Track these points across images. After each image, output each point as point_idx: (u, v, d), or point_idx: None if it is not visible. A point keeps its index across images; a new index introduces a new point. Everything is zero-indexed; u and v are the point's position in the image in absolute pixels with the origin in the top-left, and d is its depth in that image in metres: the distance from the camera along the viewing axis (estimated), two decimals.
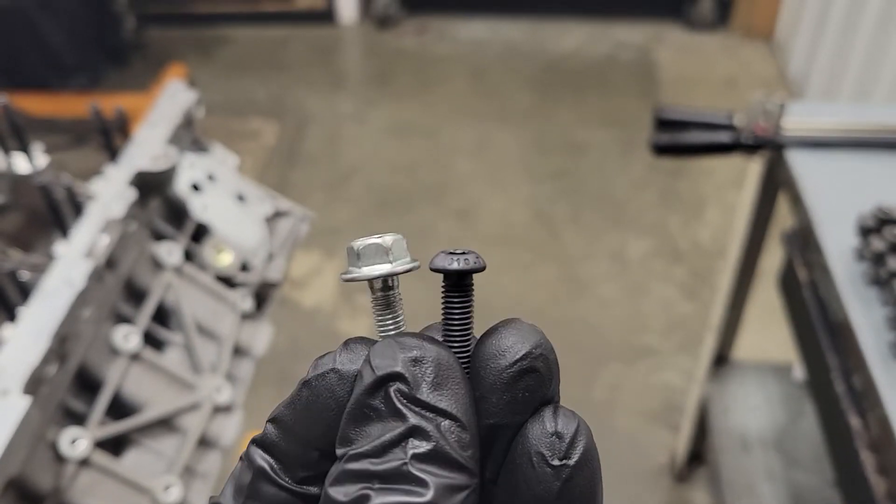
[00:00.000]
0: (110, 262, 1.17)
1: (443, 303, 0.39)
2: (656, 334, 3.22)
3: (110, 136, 1.37)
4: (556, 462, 0.35)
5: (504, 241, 3.57)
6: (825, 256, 1.35)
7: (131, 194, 1.21)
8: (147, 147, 1.28)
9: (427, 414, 0.34)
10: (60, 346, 1.04)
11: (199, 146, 1.44)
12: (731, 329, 2.24)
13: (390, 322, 0.39)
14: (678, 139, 1.73)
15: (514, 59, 4.67)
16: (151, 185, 1.26)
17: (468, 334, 0.38)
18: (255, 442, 0.38)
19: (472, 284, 0.39)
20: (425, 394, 0.34)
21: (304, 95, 4.33)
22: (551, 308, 3.28)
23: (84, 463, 1.07)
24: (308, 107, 4.24)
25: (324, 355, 0.37)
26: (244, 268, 1.40)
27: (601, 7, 4.87)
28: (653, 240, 3.60)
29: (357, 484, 0.33)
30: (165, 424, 1.21)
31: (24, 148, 1.43)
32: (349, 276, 0.38)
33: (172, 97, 1.37)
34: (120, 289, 1.21)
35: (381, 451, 0.33)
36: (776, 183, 1.72)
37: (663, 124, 1.80)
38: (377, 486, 0.33)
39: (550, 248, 3.56)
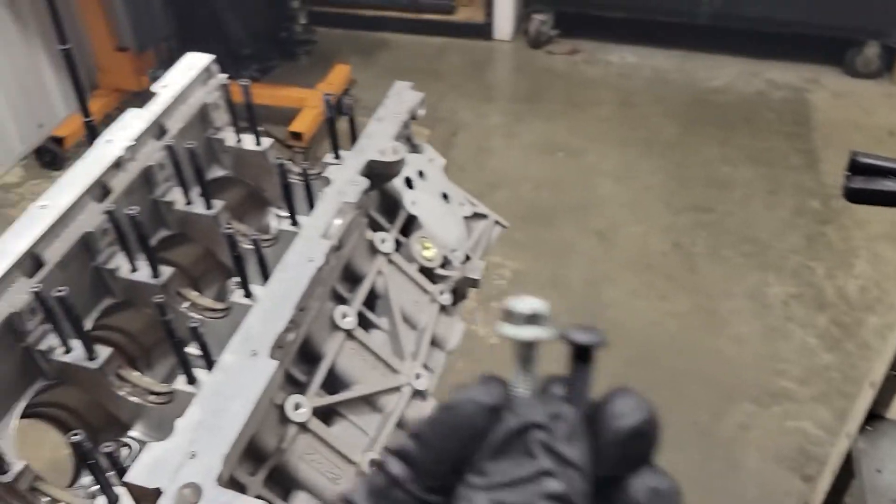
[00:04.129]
0: (339, 244, 1.24)
1: (569, 369, 0.45)
2: (793, 380, 3.12)
3: (334, 125, 1.46)
4: None
5: (641, 267, 3.54)
6: None
7: (363, 182, 1.29)
8: (376, 140, 1.35)
9: (559, 461, 0.41)
10: (298, 317, 1.12)
11: (412, 144, 1.51)
12: (891, 387, 2.15)
13: (528, 373, 0.45)
14: (876, 186, 1.69)
15: (662, 88, 4.62)
16: (380, 176, 1.33)
17: (587, 396, 0.45)
18: (392, 452, 0.45)
19: (594, 356, 0.45)
20: (560, 445, 0.41)
21: (456, 105, 4.43)
22: (685, 337, 3.24)
23: (303, 428, 1.15)
24: (459, 116, 4.33)
25: (463, 386, 0.44)
26: (444, 264, 1.46)
27: (756, 46, 4.76)
28: (796, 284, 3.49)
29: None
30: (369, 403, 1.27)
31: (254, 126, 1.54)
32: (509, 334, 0.45)
33: (399, 95, 1.45)
34: (340, 269, 1.29)
35: (517, 483, 0.40)
36: None
37: (857, 169, 1.76)
38: None
39: (687, 279, 3.51)
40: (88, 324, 1.35)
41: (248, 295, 1.30)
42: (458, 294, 1.46)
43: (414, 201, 1.45)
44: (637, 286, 3.44)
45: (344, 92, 4.32)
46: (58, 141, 4.13)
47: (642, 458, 0.42)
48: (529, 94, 4.62)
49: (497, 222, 1.61)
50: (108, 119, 4.52)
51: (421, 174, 1.49)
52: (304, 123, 3.97)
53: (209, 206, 1.44)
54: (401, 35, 5.01)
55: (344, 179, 1.30)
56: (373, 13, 5.02)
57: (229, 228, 1.19)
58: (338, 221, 1.24)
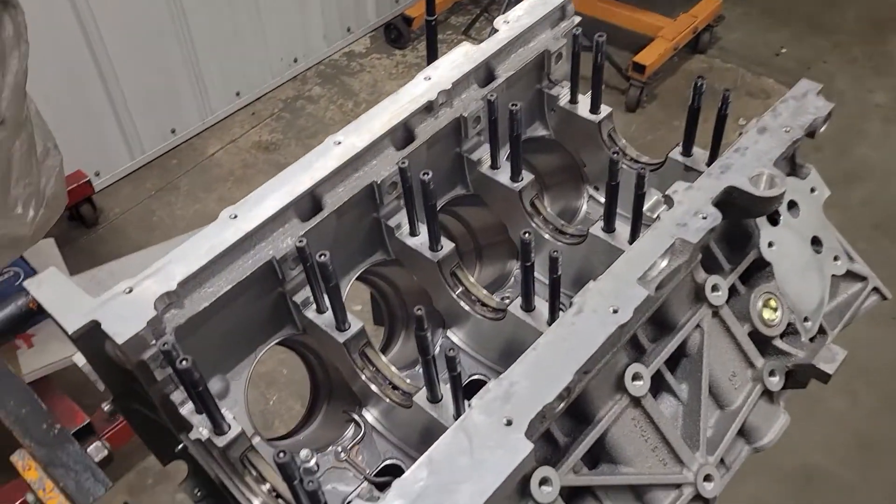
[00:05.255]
0: (657, 290, 0.94)
1: None
2: None
3: (697, 115, 1.12)
4: None
5: None
6: None
7: (714, 217, 0.95)
8: (750, 160, 1.00)
9: None
10: (577, 380, 0.85)
11: (793, 165, 1.13)
12: None
13: None
14: None
15: None
16: (742, 211, 0.99)
17: None
18: None
19: None
20: None
21: (834, 68, 3.71)
22: None
23: None
24: (834, 83, 3.62)
25: None
26: (786, 333, 1.09)
27: None
28: None
29: None
30: (634, 492, 0.99)
31: (598, 89, 1.25)
32: None
33: (799, 101, 1.06)
34: (647, 315, 0.99)
35: None
36: None
37: None
38: None
39: None
40: (356, 273, 1.21)
41: (529, 309, 1.06)
42: (793, 380, 1.09)
43: (772, 243, 1.08)
44: None
45: (706, 28, 3.79)
46: (407, 20, 4.14)
47: None
48: None
49: (876, 290, 1.18)
50: (452, 11, 4.36)
51: (793, 206, 1.11)
52: (652, 55, 3.55)
53: (516, 178, 1.20)
54: None
55: (690, 206, 0.97)
56: None
57: (527, 234, 0.94)
58: (663, 263, 0.93)
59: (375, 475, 1.12)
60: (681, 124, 1.18)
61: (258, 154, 3.63)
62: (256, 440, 1.02)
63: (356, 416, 1.16)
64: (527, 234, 0.95)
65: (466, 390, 0.95)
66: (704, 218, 0.96)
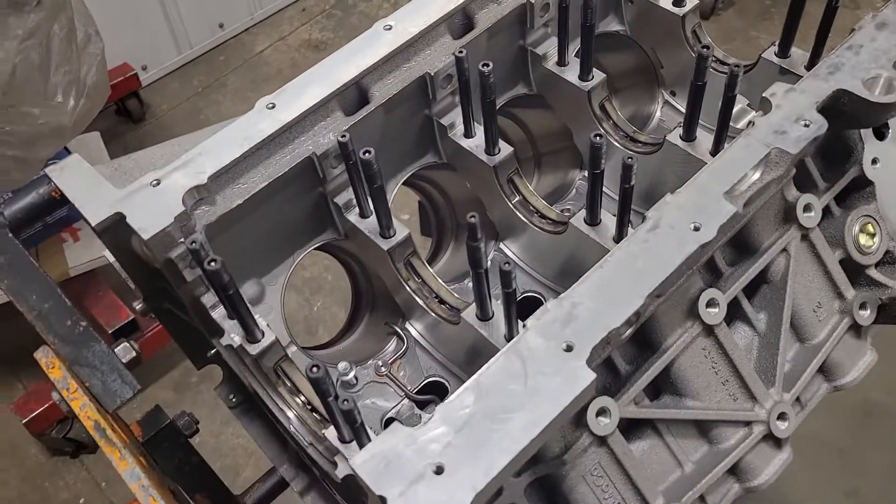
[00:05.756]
0: (744, 207, 0.82)
1: None
2: None
3: (801, 7, 0.97)
4: None
5: None
6: None
7: (818, 124, 0.82)
8: (865, 59, 0.85)
9: None
10: (647, 305, 0.75)
11: None
12: None
13: None
14: None
15: None
16: (851, 119, 0.85)
17: None
18: None
19: None
20: None
21: None
22: None
23: (601, 441, 0.82)
24: None
25: None
26: (883, 262, 0.97)
27: None
28: None
29: None
30: (699, 427, 0.90)
31: None
32: None
33: None
34: (729, 234, 0.88)
35: None
36: None
37: None
38: None
39: None
40: (404, 177, 1.11)
41: (594, 223, 0.95)
42: (886, 315, 0.98)
43: (877, 159, 0.95)
44: None
45: None
46: None
47: None
48: None
49: None
50: None
51: None
52: None
53: (586, 76, 1.07)
54: None
55: (790, 111, 0.84)
56: None
57: (598, 137, 0.82)
58: (755, 176, 0.81)
59: (417, 392, 1.05)
60: (759, 35, 1.04)
61: (307, 53, 3.50)
62: (292, 349, 0.95)
63: (399, 329, 1.09)
64: (598, 137, 0.84)
65: (520, 308, 0.86)
66: (807, 125, 0.83)
